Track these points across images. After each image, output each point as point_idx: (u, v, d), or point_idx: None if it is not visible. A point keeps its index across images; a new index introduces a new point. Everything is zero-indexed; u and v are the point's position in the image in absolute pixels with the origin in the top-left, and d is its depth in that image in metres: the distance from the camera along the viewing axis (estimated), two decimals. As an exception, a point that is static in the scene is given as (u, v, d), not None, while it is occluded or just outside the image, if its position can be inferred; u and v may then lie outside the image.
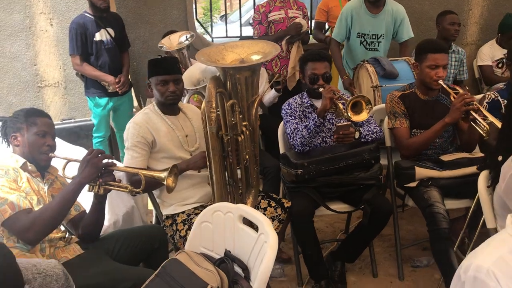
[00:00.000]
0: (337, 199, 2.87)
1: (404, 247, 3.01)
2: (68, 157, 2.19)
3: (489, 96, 2.84)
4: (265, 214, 2.61)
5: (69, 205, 2.08)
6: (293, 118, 2.91)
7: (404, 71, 3.52)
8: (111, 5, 4.06)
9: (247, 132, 2.26)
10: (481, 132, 2.56)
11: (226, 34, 5.19)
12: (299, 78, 4.56)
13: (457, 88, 2.86)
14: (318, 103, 2.96)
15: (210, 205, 2.61)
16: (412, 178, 2.77)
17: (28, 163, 2.15)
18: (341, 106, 2.72)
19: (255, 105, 2.30)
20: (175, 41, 4.09)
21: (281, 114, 2.99)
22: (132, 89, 4.39)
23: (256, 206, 2.63)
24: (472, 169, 2.68)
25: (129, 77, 4.28)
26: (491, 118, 2.54)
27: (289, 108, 2.95)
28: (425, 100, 2.94)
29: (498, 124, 2.41)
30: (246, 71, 2.14)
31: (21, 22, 4.47)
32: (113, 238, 2.32)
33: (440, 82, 2.83)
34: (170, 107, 2.63)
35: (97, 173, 2.09)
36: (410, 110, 2.92)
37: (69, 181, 2.19)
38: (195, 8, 4.93)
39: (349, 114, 2.56)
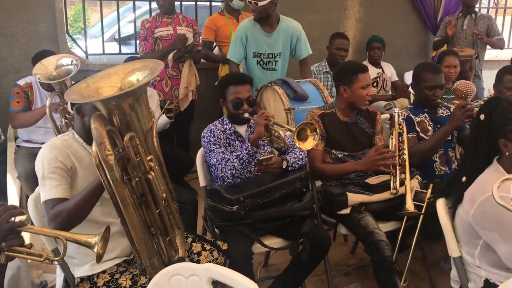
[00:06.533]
0: (269, 233, 2.62)
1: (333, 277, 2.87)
2: None
3: (403, 114, 2.94)
4: (199, 260, 2.26)
5: None
6: (218, 147, 2.60)
7: (312, 93, 3.44)
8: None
9: (156, 167, 1.92)
10: None
11: (103, 51, 4.60)
12: (192, 99, 4.27)
13: None
14: (241, 130, 2.71)
15: (132, 259, 2.21)
16: (344, 205, 2.66)
17: None
18: (275, 132, 2.50)
19: (153, 133, 1.97)
20: (51, 65, 3.29)
21: (202, 142, 2.66)
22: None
23: (189, 251, 2.27)
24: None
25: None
26: None
27: (212, 135, 2.62)
28: (344, 122, 2.87)
29: None
30: (130, 98, 1.78)
31: None
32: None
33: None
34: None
35: (1, 237, 1.52)
36: (331, 130, 2.83)
37: None
38: (66, 20, 4.24)
39: (296, 143, 2.35)
